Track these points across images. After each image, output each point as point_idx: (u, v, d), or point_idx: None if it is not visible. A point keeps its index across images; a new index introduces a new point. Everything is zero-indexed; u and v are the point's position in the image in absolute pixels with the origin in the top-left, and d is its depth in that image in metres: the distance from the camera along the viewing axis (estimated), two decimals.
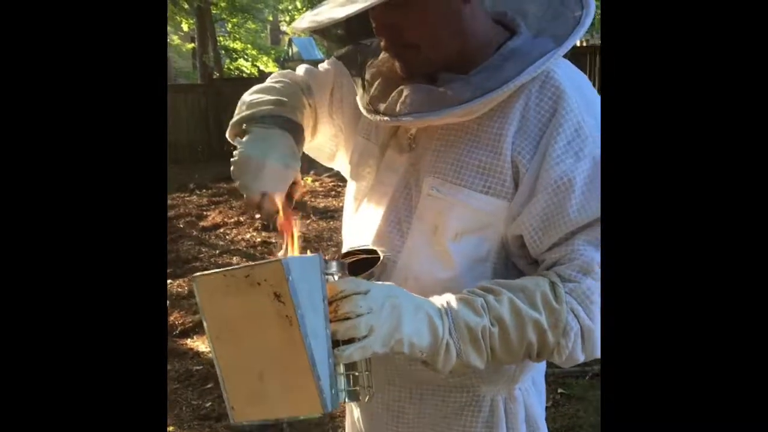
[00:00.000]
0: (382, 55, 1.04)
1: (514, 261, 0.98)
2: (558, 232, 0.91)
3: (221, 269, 0.83)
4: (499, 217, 0.94)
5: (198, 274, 0.86)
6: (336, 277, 0.86)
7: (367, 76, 1.03)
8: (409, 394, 1.05)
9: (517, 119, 0.93)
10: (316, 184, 7.66)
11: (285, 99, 1.09)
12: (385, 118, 0.97)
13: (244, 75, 16.42)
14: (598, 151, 0.90)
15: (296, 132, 1.05)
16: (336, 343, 0.80)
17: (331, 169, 1.32)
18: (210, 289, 0.85)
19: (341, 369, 0.83)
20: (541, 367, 1.10)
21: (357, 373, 0.86)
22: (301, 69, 1.21)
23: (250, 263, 0.81)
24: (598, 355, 0.89)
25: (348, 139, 1.17)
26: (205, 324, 0.86)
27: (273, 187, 0.98)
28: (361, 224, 1.06)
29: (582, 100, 0.92)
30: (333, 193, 7.25)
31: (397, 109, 0.95)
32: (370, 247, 1.01)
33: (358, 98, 1.04)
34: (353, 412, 1.17)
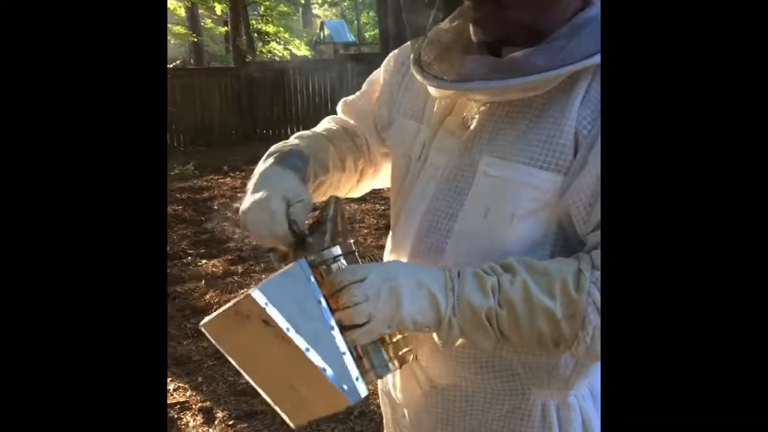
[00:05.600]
0: (442, 24, 1.01)
1: (574, 247, 0.90)
2: None
3: (220, 310, 0.86)
4: (558, 195, 0.87)
5: (203, 322, 0.89)
6: (343, 260, 0.89)
7: (426, 46, 0.99)
8: (456, 398, 0.99)
9: (584, 88, 0.86)
10: None
11: (299, 142, 1.07)
12: (449, 85, 0.91)
13: (276, 58, 16.47)
14: None
15: (299, 167, 1.01)
16: (347, 328, 0.83)
17: None
18: (217, 330, 0.89)
19: (369, 348, 0.87)
20: (598, 368, 0.98)
21: (386, 345, 0.89)
22: (339, 106, 1.21)
23: (239, 297, 0.83)
24: None
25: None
26: (230, 359, 0.91)
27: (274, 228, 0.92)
28: (408, 209, 1.01)
29: None
30: None
31: (460, 77, 0.90)
32: None
33: (413, 69, 0.98)
34: (393, 411, 1.13)
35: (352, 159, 1.15)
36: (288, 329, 0.80)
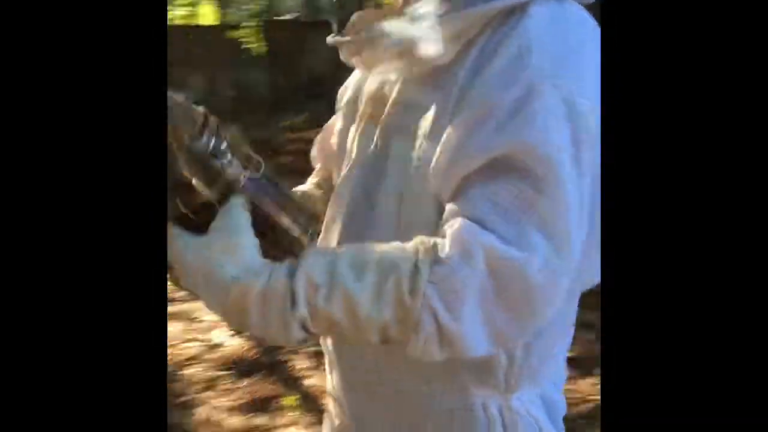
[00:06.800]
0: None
1: None
2: (459, 171, 0.76)
3: None
4: None
5: None
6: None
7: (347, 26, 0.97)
8: (385, 401, 0.93)
9: (474, 56, 0.81)
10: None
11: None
12: (339, 38, 0.92)
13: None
14: (539, 84, 0.74)
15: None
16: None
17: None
18: None
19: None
20: (558, 380, 0.95)
21: None
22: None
23: None
24: (472, 354, 0.74)
25: None
26: None
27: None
28: (338, 196, 0.99)
29: (551, 32, 0.77)
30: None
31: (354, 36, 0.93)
32: None
33: (330, 39, 0.97)
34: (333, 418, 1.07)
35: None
36: None
